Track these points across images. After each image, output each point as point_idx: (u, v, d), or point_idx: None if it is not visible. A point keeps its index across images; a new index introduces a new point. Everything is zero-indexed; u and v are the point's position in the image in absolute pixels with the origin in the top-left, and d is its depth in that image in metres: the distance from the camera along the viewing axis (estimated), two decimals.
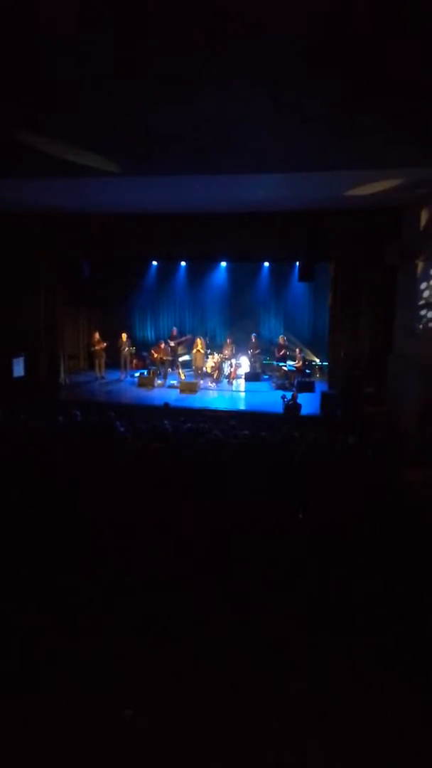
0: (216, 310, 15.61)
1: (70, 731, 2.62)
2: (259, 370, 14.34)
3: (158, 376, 13.79)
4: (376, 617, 3.41)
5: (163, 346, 13.95)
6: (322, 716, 2.72)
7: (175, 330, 14.54)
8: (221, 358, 14.09)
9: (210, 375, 13.99)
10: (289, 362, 13.78)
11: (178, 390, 12.93)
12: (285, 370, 13.60)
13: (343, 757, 2.51)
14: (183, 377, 13.79)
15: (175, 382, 13.58)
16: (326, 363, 13.52)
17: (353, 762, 2.50)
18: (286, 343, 14.21)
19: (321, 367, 14.30)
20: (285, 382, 13.40)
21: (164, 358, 13.86)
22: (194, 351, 14.13)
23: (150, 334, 16.07)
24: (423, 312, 9.54)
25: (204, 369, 14.11)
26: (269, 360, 14.51)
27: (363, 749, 2.56)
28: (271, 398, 12.01)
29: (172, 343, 14.03)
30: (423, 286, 9.55)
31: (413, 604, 3.56)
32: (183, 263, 14.96)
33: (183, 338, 14.54)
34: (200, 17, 3.55)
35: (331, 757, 2.50)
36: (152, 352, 14.07)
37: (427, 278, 9.48)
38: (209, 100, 5.08)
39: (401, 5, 3.41)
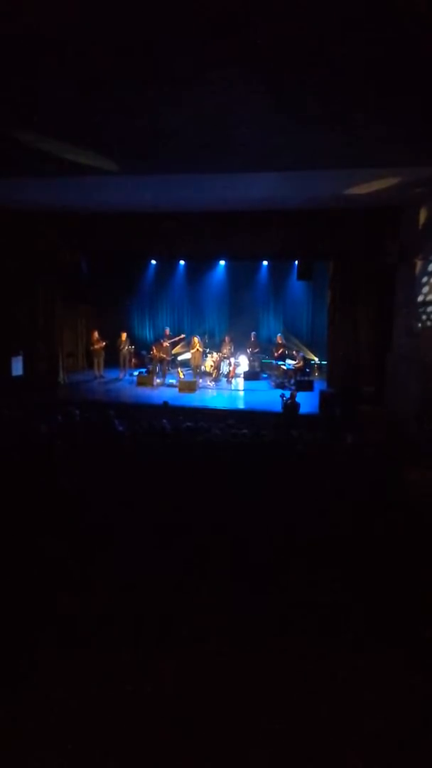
0: (215, 308, 15.63)
1: (68, 730, 2.63)
2: (257, 369, 14.35)
3: (157, 374, 13.79)
4: (377, 617, 3.42)
5: (165, 344, 13.95)
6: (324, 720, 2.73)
7: (167, 330, 14.56)
8: (220, 357, 14.10)
9: (209, 374, 14.00)
10: (288, 361, 13.79)
11: (177, 389, 12.94)
12: (284, 369, 13.61)
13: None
14: (182, 376, 13.80)
15: (174, 381, 13.59)
16: (325, 362, 13.52)
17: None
18: (284, 342, 14.22)
19: (320, 366, 14.31)
20: (284, 380, 13.41)
21: (163, 356, 13.86)
22: (193, 350, 14.13)
23: (149, 333, 16.09)
24: (422, 311, 9.56)
25: (203, 368, 14.12)
26: (268, 359, 14.52)
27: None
28: (270, 397, 12.02)
29: (166, 343, 14.02)
30: (421, 285, 9.57)
31: (414, 603, 3.57)
32: (182, 262, 14.97)
33: (176, 338, 14.55)
34: (201, 17, 3.55)
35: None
36: (153, 350, 14.05)
37: (425, 277, 9.49)
38: (209, 99, 5.08)
39: (401, 7, 3.42)
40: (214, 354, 14.17)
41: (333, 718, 2.71)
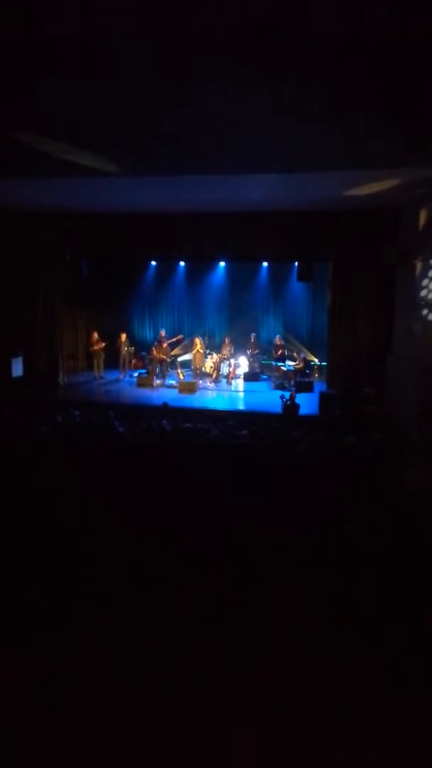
0: (215, 310, 15.62)
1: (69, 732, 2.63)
2: (257, 370, 14.35)
3: (157, 375, 13.79)
4: (376, 617, 3.42)
5: (165, 345, 13.94)
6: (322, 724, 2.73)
7: (163, 332, 14.55)
8: (220, 358, 14.10)
9: (209, 375, 13.99)
10: (288, 362, 13.79)
11: (177, 390, 12.93)
12: (284, 370, 13.61)
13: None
14: (182, 377, 13.80)
15: (173, 382, 13.59)
16: (325, 363, 13.53)
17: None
18: (283, 343, 14.22)
19: (320, 367, 14.30)
20: (284, 382, 13.41)
21: (163, 357, 13.86)
22: (193, 351, 14.13)
23: (149, 334, 16.09)
24: (422, 312, 9.56)
25: (203, 369, 14.12)
26: (268, 360, 14.52)
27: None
28: (270, 398, 12.01)
29: (165, 344, 14.00)
30: (421, 286, 9.57)
31: (413, 603, 3.56)
32: (182, 263, 14.96)
33: (173, 338, 14.54)
34: (201, 17, 3.55)
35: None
36: (153, 351, 14.02)
37: (425, 278, 9.49)
38: (209, 100, 5.08)
39: (402, 8, 3.42)
40: (214, 355, 14.17)
41: (333, 721, 2.70)
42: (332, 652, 3.15)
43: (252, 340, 14.42)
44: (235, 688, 2.90)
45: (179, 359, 14.87)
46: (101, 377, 14.23)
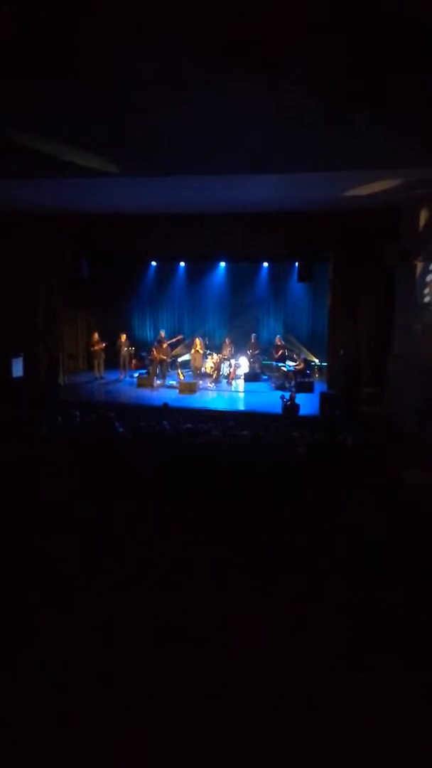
0: (215, 310, 15.63)
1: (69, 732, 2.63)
2: (258, 371, 14.35)
3: (157, 376, 13.79)
4: (376, 617, 3.41)
5: (165, 345, 13.94)
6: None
7: (162, 332, 14.55)
8: (220, 359, 14.10)
9: (209, 375, 13.99)
10: (288, 363, 13.79)
11: (178, 390, 12.93)
12: (284, 371, 13.61)
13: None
14: (182, 377, 13.80)
15: (174, 383, 13.59)
16: (325, 363, 13.53)
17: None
18: (283, 343, 14.23)
19: (320, 368, 14.30)
20: (284, 382, 13.41)
21: (163, 357, 13.86)
22: (193, 351, 14.13)
23: (149, 334, 16.10)
24: (422, 312, 9.56)
25: (203, 369, 14.12)
26: (268, 360, 14.52)
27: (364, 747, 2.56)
28: (270, 399, 12.01)
29: (166, 344, 14.00)
30: (422, 286, 9.57)
31: (413, 604, 3.56)
32: (182, 263, 14.97)
33: (173, 339, 14.54)
34: (201, 18, 3.56)
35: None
36: (153, 351, 14.02)
37: (425, 278, 9.49)
38: (209, 100, 5.08)
39: (401, 7, 3.42)
40: (215, 355, 14.18)
41: (335, 725, 2.70)
42: (333, 654, 3.14)
43: (252, 341, 14.42)
44: (233, 690, 2.89)
45: (179, 359, 14.87)
46: (101, 377, 14.24)
